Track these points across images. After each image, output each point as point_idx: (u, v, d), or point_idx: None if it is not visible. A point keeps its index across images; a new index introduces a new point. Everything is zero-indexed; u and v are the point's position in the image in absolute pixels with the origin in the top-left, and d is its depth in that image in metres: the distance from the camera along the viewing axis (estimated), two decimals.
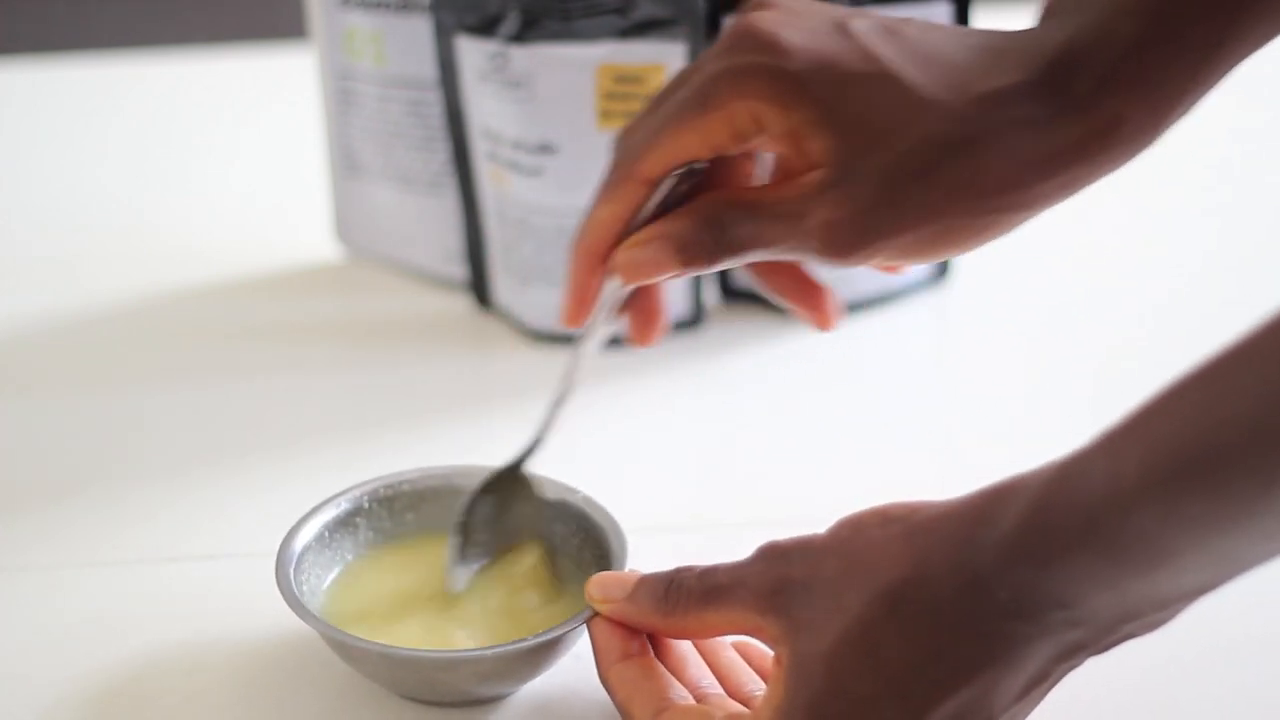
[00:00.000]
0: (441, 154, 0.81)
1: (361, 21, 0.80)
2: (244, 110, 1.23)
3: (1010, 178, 0.43)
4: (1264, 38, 0.43)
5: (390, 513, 0.56)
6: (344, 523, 0.55)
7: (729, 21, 0.46)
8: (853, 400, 0.73)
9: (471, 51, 0.74)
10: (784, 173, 0.48)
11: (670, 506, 0.63)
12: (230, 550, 0.60)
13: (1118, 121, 0.43)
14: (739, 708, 0.46)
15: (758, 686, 0.48)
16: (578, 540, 0.54)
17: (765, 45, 0.44)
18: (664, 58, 0.71)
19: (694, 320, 0.79)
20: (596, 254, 0.49)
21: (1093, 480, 0.36)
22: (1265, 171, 1.03)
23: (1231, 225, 0.93)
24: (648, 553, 0.52)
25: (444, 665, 0.48)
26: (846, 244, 0.44)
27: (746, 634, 0.45)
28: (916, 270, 0.81)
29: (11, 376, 0.77)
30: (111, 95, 1.26)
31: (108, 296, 0.85)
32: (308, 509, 0.54)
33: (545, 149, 0.73)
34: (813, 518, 0.45)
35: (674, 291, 0.77)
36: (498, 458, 0.55)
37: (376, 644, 0.48)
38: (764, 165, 0.50)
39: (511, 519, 0.54)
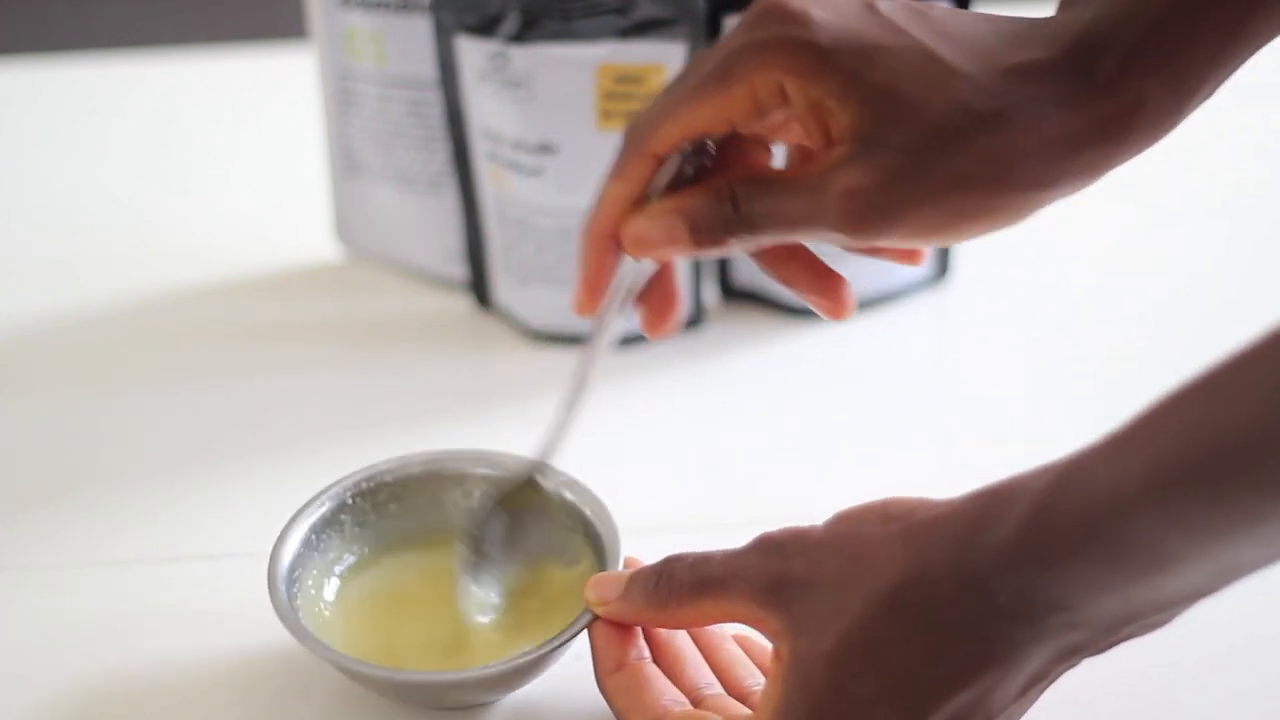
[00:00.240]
0: (441, 154, 0.81)
1: (361, 21, 0.80)
2: (244, 110, 1.23)
3: (1035, 154, 0.43)
4: None
5: (374, 506, 0.55)
6: (329, 522, 0.54)
7: (751, 4, 0.45)
8: (853, 400, 0.73)
9: (471, 51, 0.74)
10: (803, 158, 0.48)
11: (670, 506, 0.63)
12: (230, 550, 0.60)
13: (1140, 102, 0.43)
14: (738, 709, 0.46)
15: (757, 681, 0.48)
16: (578, 535, 0.54)
17: (792, 18, 0.44)
18: (664, 58, 0.71)
19: (694, 320, 0.79)
20: (607, 234, 0.48)
21: (1095, 485, 0.36)
22: (1270, 171, 1.03)
23: (1234, 226, 0.93)
24: (648, 553, 0.52)
25: (452, 686, 0.48)
26: (866, 216, 0.43)
27: (745, 624, 0.45)
28: (916, 270, 0.81)
29: (11, 376, 0.77)
30: (111, 95, 1.26)
31: (108, 296, 0.85)
32: (290, 516, 0.54)
33: (545, 149, 0.73)
34: (813, 518, 0.45)
35: None
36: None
37: (384, 669, 0.48)
38: (780, 156, 0.50)
39: (525, 535, 0.53)
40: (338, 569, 0.54)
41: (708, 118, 0.45)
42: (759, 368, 0.76)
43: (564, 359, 0.74)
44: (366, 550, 0.55)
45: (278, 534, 0.52)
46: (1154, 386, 0.36)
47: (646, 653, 0.48)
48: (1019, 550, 0.38)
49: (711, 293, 0.81)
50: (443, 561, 0.54)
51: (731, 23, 0.46)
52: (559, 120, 0.72)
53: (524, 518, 0.53)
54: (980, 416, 0.71)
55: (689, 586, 0.45)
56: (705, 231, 0.46)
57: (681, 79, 0.47)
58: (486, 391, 0.75)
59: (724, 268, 0.81)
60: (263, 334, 0.81)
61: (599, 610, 0.48)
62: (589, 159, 0.71)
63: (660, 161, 0.47)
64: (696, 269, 0.77)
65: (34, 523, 0.63)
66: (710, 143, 0.47)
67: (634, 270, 0.48)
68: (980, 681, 0.39)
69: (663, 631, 0.49)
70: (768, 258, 0.50)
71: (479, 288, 0.82)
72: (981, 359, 0.78)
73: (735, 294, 0.81)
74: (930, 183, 0.43)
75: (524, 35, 0.71)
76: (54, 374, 0.78)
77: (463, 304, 0.83)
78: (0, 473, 0.67)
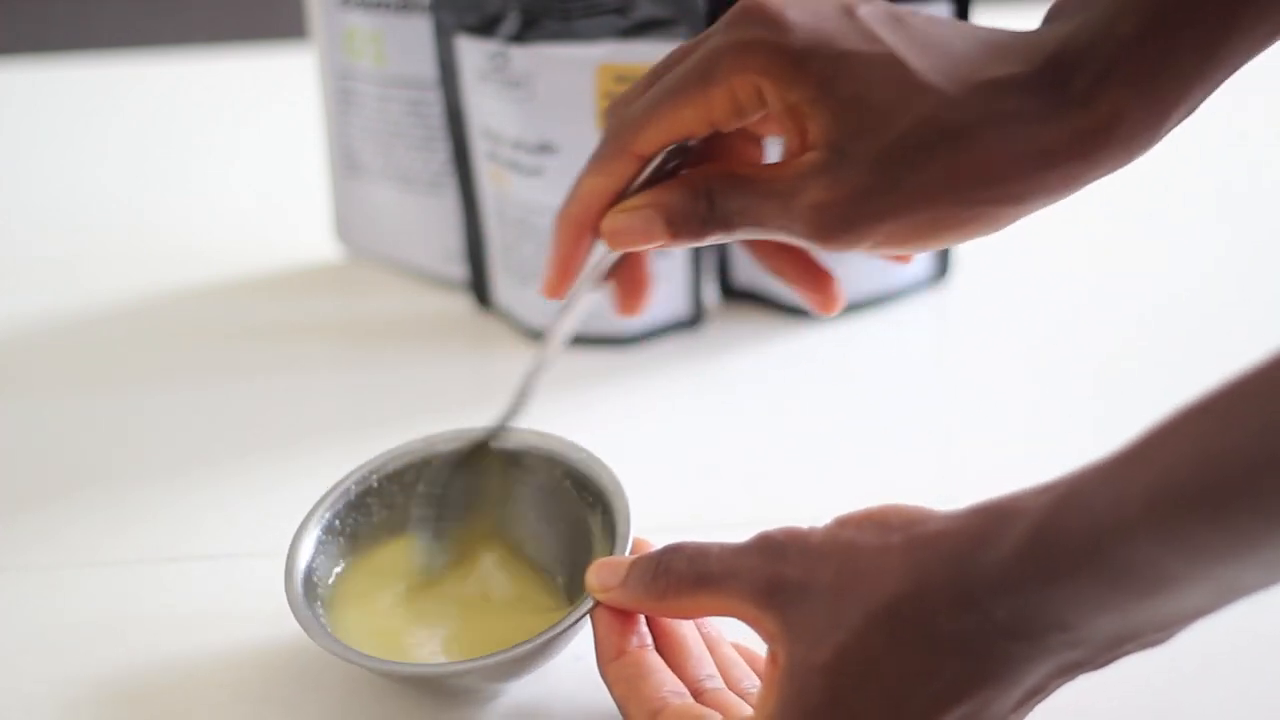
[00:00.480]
0: (441, 154, 0.81)
1: (361, 21, 0.80)
2: (244, 110, 1.23)
3: (1003, 169, 0.43)
4: (1266, 38, 0.43)
5: (401, 488, 0.55)
6: (331, 529, 0.54)
7: (734, 3, 0.46)
8: (853, 400, 0.73)
9: (471, 51, 0.74)
10: (787, 155, 0.48)
11: (670, 506, 0.63)
12: (230, 550, 0.60)
13: (1116, 119, 0.43)
14: (738, 703, 0.46)
15: (753, 683, 0.48)
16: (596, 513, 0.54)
17: (769, 20, 0.44)
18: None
19: (694, 320, 0.79)
20: (583, 223, 0.49)
21: (1096, 505, 0.36)
22: (1271, 172, 1.03)
23: (1234, 226, 0.93)
24: None
25: (454, 675, 0.48)
26: (833, 228, 0.44)
27: (740, 621, 0.45)
28: (916, 270, 0.81)
29: (11, 376, 0.77)
30: (111, 95, 1.26)
31: (108, 296, 0.85)
32: (308, 508, 0.54)
33: (545, 149, 0.73)
34: (812, 518, 0.45)
35: (674, 291, 0.77)
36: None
37: (387, 662, 0.49)
38: (770, 152, 0.50)
39: (484, 496, 0.54)
40: (341, 567, 0.54)
41: (690, 119, 0.46)
42: (759, 368, 0.76)
43: (564, 359, 0.74)
44: (371, 549, 0.55)
45: (293, 532, 0.53)
46: (1153, 386, 0.36)
47: (649, 640, 0.48)
48: (1019, 569, 0.38)
49: (711, 293, 0.81)
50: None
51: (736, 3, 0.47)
52: (559, 120, 0.72)
53: (480, 480, 0.54)
54: (980, 416, 0.71)
55: (687, 580, 0.45)
56: (681, 226, 0.47)
57: (661, 72, 0.47)
58: (486, 391, 0.75)
59: (724, 268, 0.81)
60: (263, 334, 0.81)
61: (600, 596, 0.48)
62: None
63: (644, 161, 0.48)
64: (696, 269, 0.77)
65: (34, 523, 0.63)
66: (690, 141, 0.48)
67: (604, 255, 0.49)
68: (976, 697, 0.39)
69: (667, 619, 0.49)
70: (758, 248, 0.51)
71: (479, 288, 0.82)
72: (981, 359, 0.78)
73: (735, 294, 0.81)
74: (897, 196, 0.44)
75: (524, 35, 0.71)
76: (54, 374, 0.78)
77: (463, 304, 0.83)
78: (0, 473, 0.67)
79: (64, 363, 0.79)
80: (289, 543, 0.52)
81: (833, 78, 0.44)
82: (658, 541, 0.52)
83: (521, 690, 0.51)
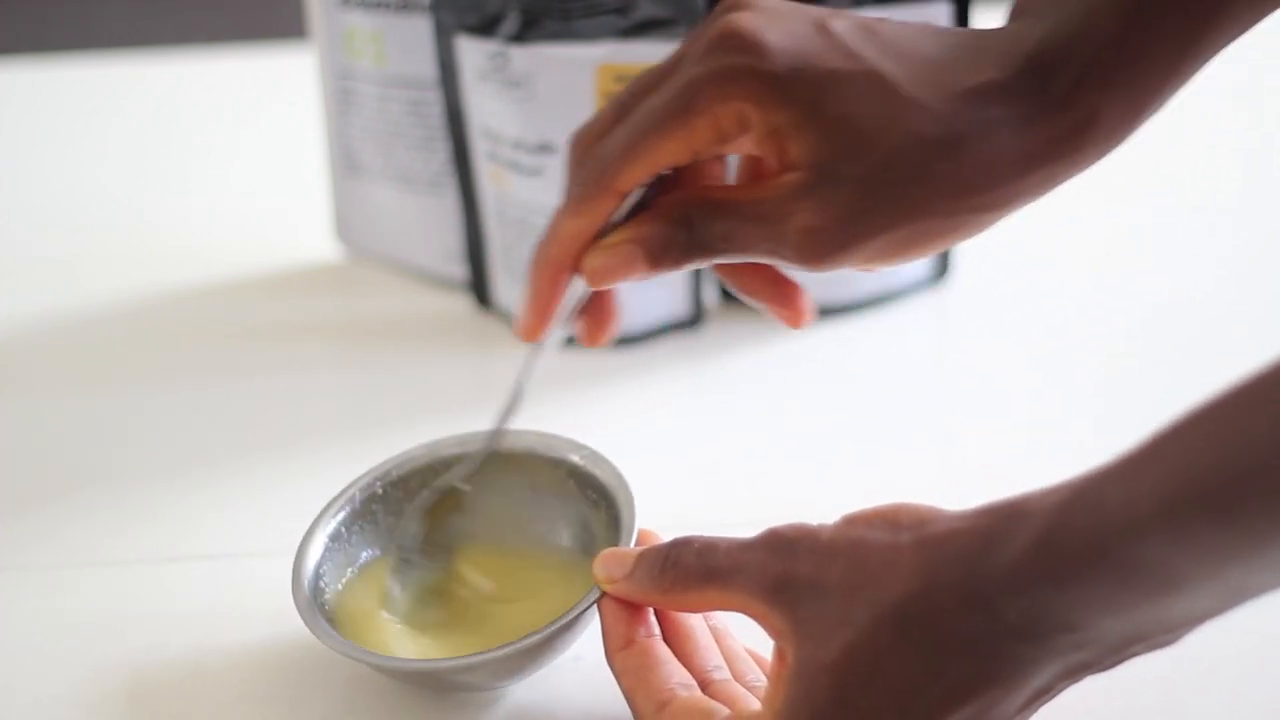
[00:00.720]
0: (441, 154, 0.81)
1: (361, 21, 0.80)
2: (244, 110, 1.23)
3: (989, 178, 0.43)
4: (1237, 31, 0.43)
5: (406, 494, 0.55)
6: (337, 536, 0.54)
7: (706, 22, 0.46)
8: (853, 400, 0.73)
9: (471, 51, 0.74)
10: (755, 173, 0.48)
11: (670, 506, 0.63)
12: (230, 550, 0.60)
13: (1094, 119, 0.43)
14: (746, 696, 0.46)
15: (758, 677, 0.48)
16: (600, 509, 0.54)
17: (747, 47, 0.44)
18: (664, 58, 0.70)
19: (694, 320, 0.79)
20: (562, 265, 0.48)
21: (1105, 506, 0.36)
22: (1271, 172, 1.03)
23: (1234, 226, 0.93)
24: None
25: (458, 670, 0.48)
26: (824, 251, 0.44)
27: (748, 617, 0.45)
28: (916, 270, 0.81)
29: (11, 376, 0.78)
30: (111, 95, 1.26)
31: (108, 296, 0.85)
32: (308, 508, 0.54)
33: (545, 149, 0.73)
34: (813, 518, 0.45)
35: (674, 291, 0.77)
36: None
37: (393, 659, 0.49)
38: (730, 167, 0.50)
39: (455, 527, 0.54)
40: (352, 569, 0.54)
41: (672, 152, 0.46)
42: (759, 368, 0.76)
43: (564, 359, 0.74)
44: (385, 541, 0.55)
45: (297, 535, 0.53)
46: (1154, 386, 0.36)
47: (656, 630, 0.48)
48: (1028, 570, 0.38)
49: (711, 293, 0.81)
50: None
51: (707, 26, 0.46)
52: (559, 120, 0.72)
53: (449, 515, 0.54)
54: (980, 416, 0.71)
55: (695, 574, 0.45)
56: (662, 256, 0.47)
57: (631, 103, 0.47)
58: (486, 391, 0.75)
59: None
60: (263, 334, 0.81)
61: (606, 588, 0.48)
62: None
63: (624, 197, 0.47)
64: (696, 270, 0.77)
65: (34, 523, 0.63)
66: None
67: (580, 291, 0.49)
68: (983, 698, 0.39)
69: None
70: (724, 270, 0.50)
71: (479, 288, 0.82)
72: (981, 359, 0.78)
73: (735, 294, 0.81)
74: (887, 214, 0.44)
75: (524, 35, 0.71)
76: (54, 374, 0.78)
77: (463, 304, 0.83)
78: (0, 473, 0.67)
79: (64, 363, 0.79)
80: (295, 549, 0.52)
81: (817, 101, 0.43)
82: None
83: (523, 692, 0.51)
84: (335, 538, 0.53)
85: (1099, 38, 0.43)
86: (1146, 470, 0.35)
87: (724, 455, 0.68)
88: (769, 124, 0.44)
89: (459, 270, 0.83)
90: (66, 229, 0.97)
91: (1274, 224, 0.94)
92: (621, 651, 0.47)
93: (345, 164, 0.86)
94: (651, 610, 0.48)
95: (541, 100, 0.72)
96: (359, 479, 0.55)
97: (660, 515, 0.61)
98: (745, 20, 0.45)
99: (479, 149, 0.77)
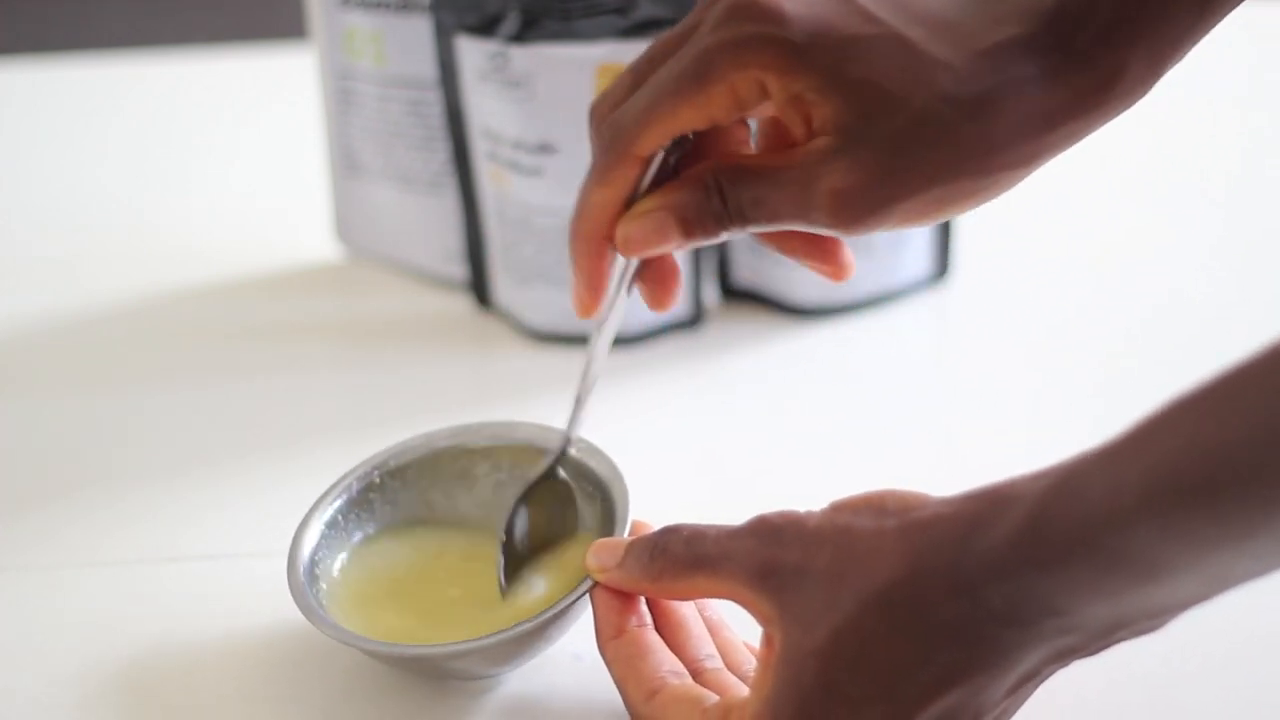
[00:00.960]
0: (441, 154, 0.81)
1: (361, 21, 0.80)
2: (244, 110, 1.23)
3: (1017, 135, 0.43)
4: None
5: (403, 484, 0.56)
6: (355, 503, 0.55)
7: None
8: (853, 400, 0.73)
9: (471, 51, 0.74)
10: (780, 140, 0.48)
11: (669, 506, 0.63)
12: (230, 550, 0.60)
13: (1119, 73, 0.43)
14: (737, 684, 0.46)
15: (753, 666, 0.48)
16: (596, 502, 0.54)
17: (765, 15, 0.44)
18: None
19: (694, 320, 0.79)
20: (598, 236, 0.48)
21: (1092, 492, 0.36)
22: (1271, 171, 1.03)
23: (1235, 226, 0.93)
24: None
25: (453, 656, 0.48)
26: (856, 212, 0.44)
27: (736, 604, 0.45)
28: (916, 270, 0.81)
29: (11, 376, 0.78)
30: (111, 95, 1.26)
31: (108, 296, 0.85)
32: (307, 507, 0.54)
33: (545, 149, 0.73)
34: None
35: None
36: None
37: (389, 644, 0.49)
38: (754, 132, 0.50)
39: (550, 525, 0.54)
40: (346, 553, 0.54)
41: (689, 118, 0.45)
42: (759, 368, 0.76)
43: (564, 359, 0.74)
44: (381, 528, 0.55)
45: (295, 528, 0.53)
46: (1154, 386, 0.36)
47: (648, 619, 0.48)
48: (1013, 555, 0.38)
49: (711, 293, 0.81)
50: (456, 541, 0.55)
51: None
52: (559, 120, 0.72)
53: (544, 511, 0.54)
54: (980, 416, 0.71)
55: (683, 561, 0.46)
56: (695, 225, 0.46)
57: (647, 68, 0.46)
58: (486, 391, 0.75)
59: (724, 268, 0.81)
60: (263, 334, 0.81)
61: (598, 577, 0.48)
62: (589, 159, 0.71)
63: (646, 163, 0.47)
64: (696, 269, 0.77)
65: (34, 523, 0.63)
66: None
67: (628, 261, 0.49)
68: (970, 683, 0.39)
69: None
70: (761, 233, 0.50)
71: (479, 288, 0.82)
72: (981, 359, 0.78)
73: (735, 294, 0.81)
74: (917, 174, 0.43)
75: (524, 35, 0.71)
76: (54, 374, 0.78)
77: (463, 304, 0.83)
78: (0, 473, 0.67)
79: (64, 363, 0.79)
80: (292, 536, 0.52)
81: (839, 65, 0.43)
82: None
83: (519, 685, 0.51)
84: (332, 525, 0.54)
85: None
86: (1132, 457, 0.35)
87: (724, 455, 0.68)
88: (789, 91, 0.44)
89: (459, 270, 0.83)
90: (66, 229, 0.97)
91: (1274, 224, 0.93)
92: (613, 641, 0.47)
93: (345, 164, 0.86)
94: (643, 600, 0.48)
95: (541, 100, 0.72)
96: (355, 468, 0.55)
97: (661, 515, 0.61)
98: None
99: (479, 149, 0.77)
